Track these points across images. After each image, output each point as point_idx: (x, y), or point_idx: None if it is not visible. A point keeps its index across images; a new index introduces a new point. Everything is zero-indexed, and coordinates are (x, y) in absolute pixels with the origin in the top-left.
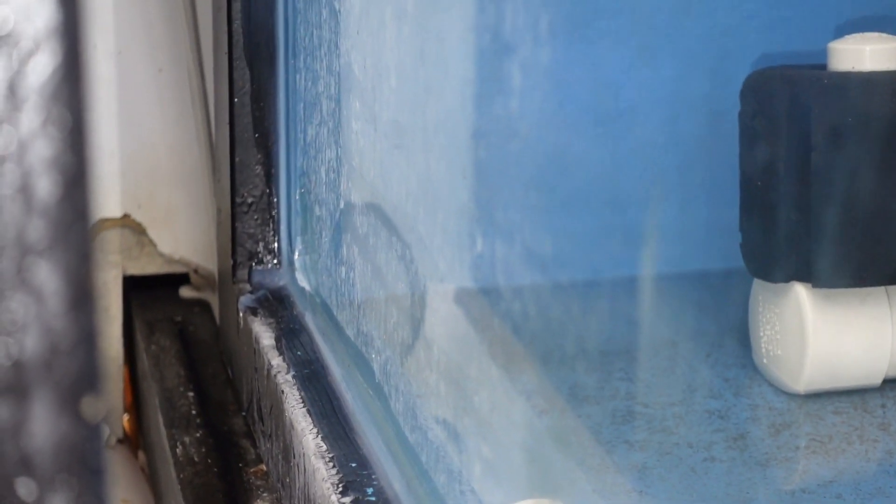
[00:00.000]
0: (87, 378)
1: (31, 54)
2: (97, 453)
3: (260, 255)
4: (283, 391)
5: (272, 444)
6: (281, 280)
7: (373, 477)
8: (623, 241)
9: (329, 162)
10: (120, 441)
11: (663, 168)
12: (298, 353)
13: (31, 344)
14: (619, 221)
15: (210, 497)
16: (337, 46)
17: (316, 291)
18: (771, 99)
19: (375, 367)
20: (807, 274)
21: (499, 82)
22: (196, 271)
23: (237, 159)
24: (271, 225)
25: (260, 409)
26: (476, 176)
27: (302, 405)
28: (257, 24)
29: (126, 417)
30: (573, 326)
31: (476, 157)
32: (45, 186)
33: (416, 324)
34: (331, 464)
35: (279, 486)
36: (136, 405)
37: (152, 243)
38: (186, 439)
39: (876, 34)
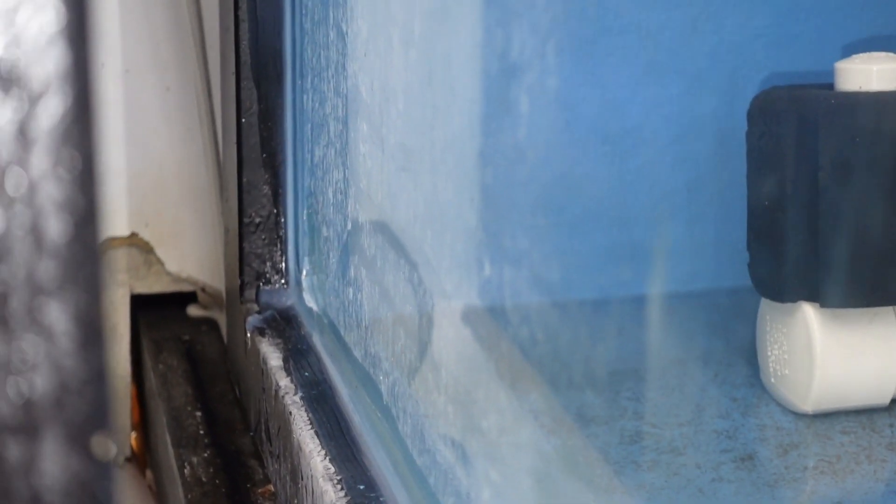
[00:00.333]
0: (97, 416)
1: (41, 97)
2: (108, 491)
3: (267, 275)
4: (290, 412)
5: (280, 465)
6: (288, 300)
7: (381, 499)
8: (631, 260)
9: (336, 183)
10: (128, 459)
11: (671, 187)
12: (306, 373)
13: (41, 383)
14: (627, 240)
15: None
16: (344, 68)
17: (323, 312)
18: (778, 119)
19: (383, 388)
20: (815, 294)
21: (506, 103)
22: (203, 289)
23: (245, 179)
24: (279, 245)
25: (268, 429)
26: (483, 196)
27: (310, 426)
28: (265, 44)
29: (133, 436)
30: (581, 346)
31: (483, 177)
32: (56, 227)
33: (424, 345)
34: (339, 486)
35: None
36: (143, 424)
37: (160, 262)
38: (194, 459)
39: (883, 54)
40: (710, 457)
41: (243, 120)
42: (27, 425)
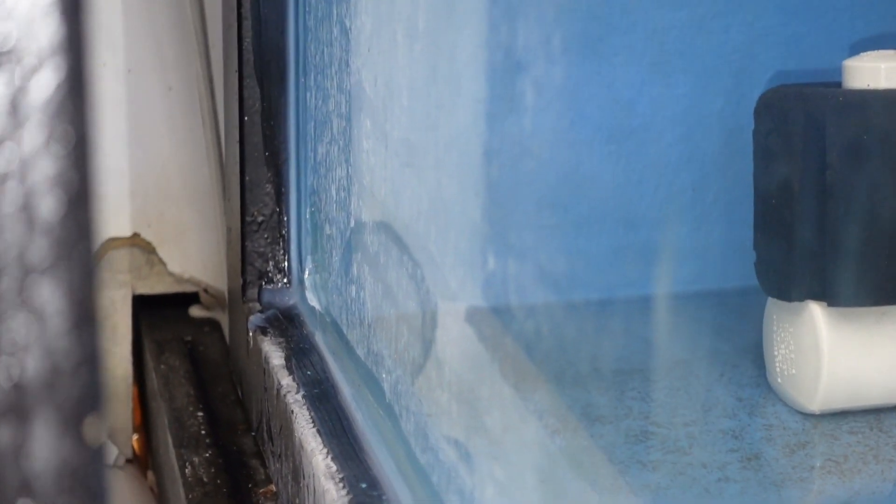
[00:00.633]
0: (89, 399)
1: (34, 71)
2: (99, 476)
3: (270, 275)
4: (292, 411)
5: (282, 465)
6: (291, 299)
7: (383, 498)
8: (636, 259)
9: (340, 180)
10: (129, 461)
11: (677, 186)
12: (308, 372)
13: (32, 365)
14: (633, 240)
15: None
16: (348, 64)
17: (326, 311)
18: (785, 117)
19: (386, 386)
20: (822, 293)
21: (511, 100)
22: (206, 290)
23: (247, 178)
24: (281, 244)
25: (269, 429)
26: (488, 194)
27: (312, 425)
28: (268, 42)
29: (135, 437)
30: (586, 345)
31: (488, 175)
32: (48, 205)
33: (427, 343)
34: (341, 484)
35: None
36: (145, 425)
37: (162, 262)
38: (196, 459)
39: (891, 51)
40: (716, 456)
41: (246, 118)
42: (17, 408)
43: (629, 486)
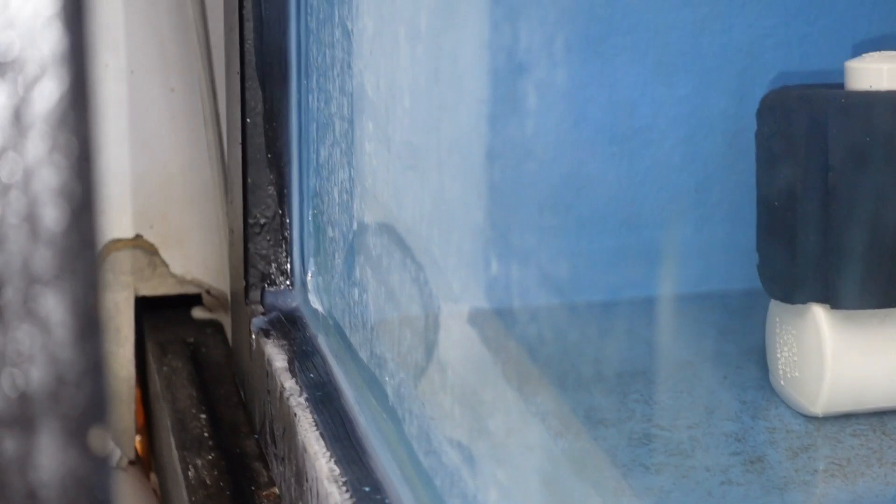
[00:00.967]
0: (94, 409)
1: (36, 80)
2: (104, 486)
3: (272, 277)
4: (295, 414)
5: (285, 468)
6: (293, 302)
7: (386, 501)
8: (639, 261)
9: (342, 183)
10: (132, 462)
11: (680, 187)
12: (311, 375)
13: (37, 375)
14: (636, 241)
15: None
16: (350, 66)
17: (329, 313)
18: (788, 118)
19: (389, 389)
20: (825, 295)
21: (513, 102)
22: (209, 292)
23: (249, 180)
24: (284, 246)
25: (272, 431)
26: (491, 196)
27: (315, 428)
28: (270, 44)
29: (138, 439)
30: (589, 348)
31: (491, 177)
32: (52, 215)
33: (430, 346)
34: (344, 487)
35: None
36: (148, 427)
37: (164, 264)
38: (198, 461)
39: (894, 53)
40: (719, 459)
41: (248, 120)
42: (22, 419)
43: (632, 489)
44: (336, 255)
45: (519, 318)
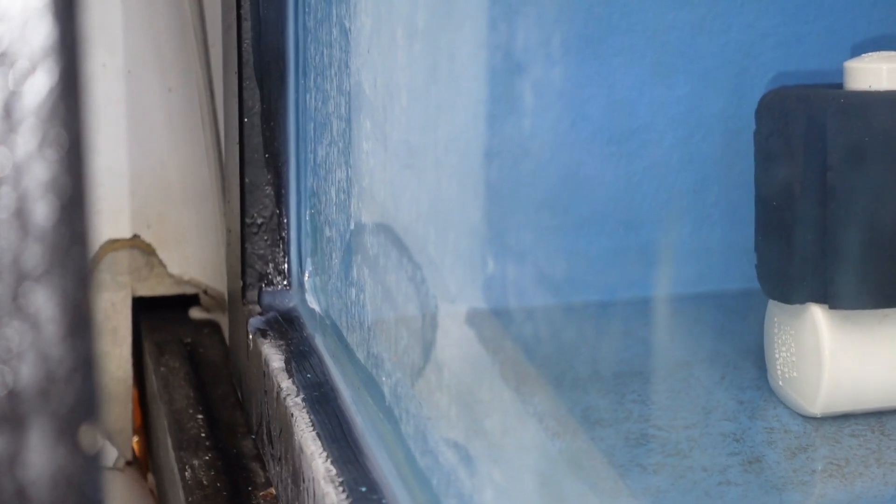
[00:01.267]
0: (84, 407)
1: (27, 74)
2: (95, 483)
3: (270, 277)
4: (292, 414)
5: (281, 468)
6: (291, 302)
7: (383, 501)
8: (637, 261)
9: (339, 182)
10: (129, 463)
11: (678, 187)
12: (308, 375)
13: (27, 372)
14: (634, 241)
15: None
16: (347, 65)
17: (326, 313)
18: (786, 118)
19: (386, 389)
20: (823, 295)
21: (511, 101)
22: (206, 292)
23: (247, 180)
24: (281, 246)
25: (269, 431)
26: (488, 196)
27: (311, 428)
28: (267, 43)
29: (135, 439)
30: (586, 348)
31: (488, 176)
32: (42, 210)
33: (427, 346)
34: (340, 488)
35: None
36: (145, 427)
37: (162, 264)
38: (195, 462)
39: (893, 53)
40: (716, 460)
41: (246, 120)
42: (12, 416)
43: (629, 490)
44: (333, 255)
45: (516, 318)
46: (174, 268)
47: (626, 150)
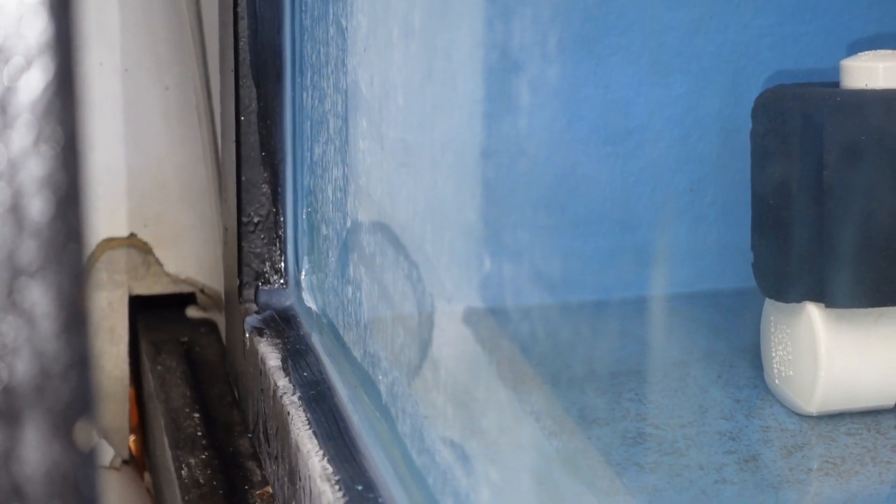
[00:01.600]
0: (79, 403)
1: (22, 70)
2: (90, 480)
3: (266, 275)
4: (289, 412)
5: (278, 466)
6: (287, 300)
7: (379, 500)
8: (634, 260)
9: (336, 181)
10: (126, 462)
11: (674, 187)
12: (305, 373)
13: (22, 368)
14: (630, 241)
15: None
16: (344, 64)
17: (322, 311)
18: (783, 117)
19: (382, 388)
20: (819, 294)
21: (507, 100)
22: (203, 291)
23: (244, 178)
24: (278, 244)
25: (266, 430)
26: (484, 195)
27: (308, 427)
28: (264, 42)
29: (132, 438)
30: (583, 347)
31: (484, 175)
32: (37, 206)
33: (424, 344)
34: (337, 486)
35: None
36: (142, 426)
37: (158, 263)
38: (192, 461)
39: (889, 51)
40: (713, 458)
41: (242, 118)
42: (7, 412)
43: (626, 488)
44: (330, 254)
45: (512, 317)
46: (171, 266)
47: (623, 149)
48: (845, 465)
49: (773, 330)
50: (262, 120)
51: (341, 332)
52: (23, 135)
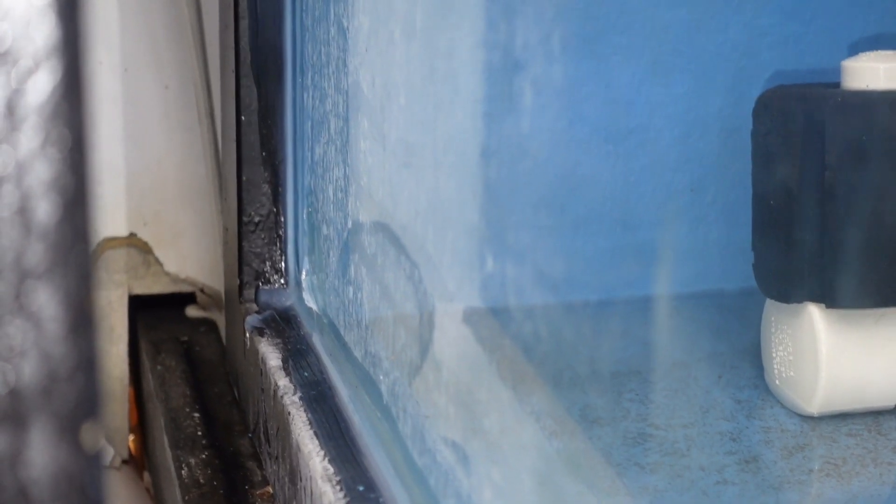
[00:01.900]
0: (86, 405)
1: (30, 73)
2: (96, 482)
3: (267, 275)
4: (289, 412)
5: (279, 467)
6: (288, 300)
7: (380, 500)
8: (634, 260)
9: (337, 181)
10: (125, 462)
11: (675, 186)
12: (305, 373)
13: (29, 370)
14: (631, 241)
15: None
16: (345, 64)
17: (323, 311)
18: (784, 117)
19: (383, 388)
20: (820, 294)
21: (509, 100)
22: (203, 290)
23: (244, 178)
24: (278, 244)
25: (266, 430)
26: (486, 195)
27: (309, 427)
28: (265, 41)
29: (132, 438)
30: (584, 347)
31: (486, 175)
32: (44, 208)
33: (425, 344)
34: (338, 487)
35: None
36: (141, 426)
37: (158, 262)
38: (192, 460)
39: (891, 52)
40: (714, 459)
41: (243, 118)
42: (14, 415)
43: (627, 489)
44: (331, 254)
45: (514, 317)
46: (171, 266)
47: (624, 149)
48: (846, 465)
49: (773, 330)
50: (263, 120)
51: (342, 332)
52: (30, 137)
